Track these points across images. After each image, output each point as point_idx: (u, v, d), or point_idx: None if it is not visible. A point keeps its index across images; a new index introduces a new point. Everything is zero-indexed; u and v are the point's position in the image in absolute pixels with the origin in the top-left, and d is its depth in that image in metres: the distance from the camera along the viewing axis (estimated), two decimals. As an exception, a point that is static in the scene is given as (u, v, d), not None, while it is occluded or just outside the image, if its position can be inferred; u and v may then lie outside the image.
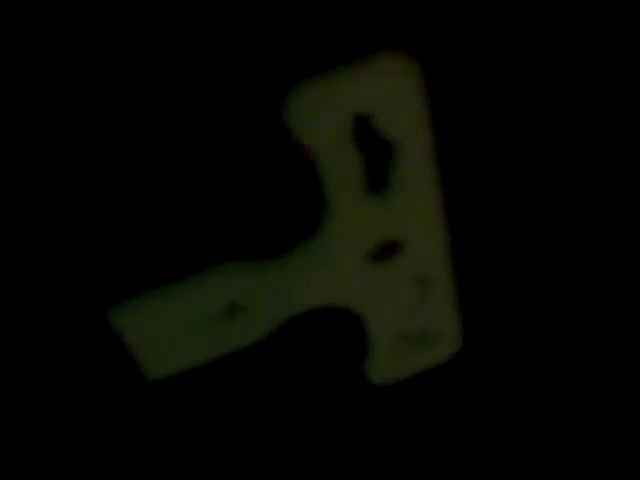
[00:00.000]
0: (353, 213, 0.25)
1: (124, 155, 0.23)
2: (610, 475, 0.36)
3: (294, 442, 0.32)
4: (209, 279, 0.25)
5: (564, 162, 0.27)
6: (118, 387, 0.27)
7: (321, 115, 0.21)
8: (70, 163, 0.23)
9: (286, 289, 0.26)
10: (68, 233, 0.24)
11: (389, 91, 0.21)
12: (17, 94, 0.21)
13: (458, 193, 0.26)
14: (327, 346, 0.30)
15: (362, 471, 0.34)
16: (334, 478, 0.33)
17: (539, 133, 0.26)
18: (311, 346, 0.29)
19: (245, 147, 0.23)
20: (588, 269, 0.30)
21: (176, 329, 0.26)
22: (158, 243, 0.25)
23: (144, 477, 0.29)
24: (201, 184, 0.24)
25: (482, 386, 0.33)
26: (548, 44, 0.23)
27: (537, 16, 0.23)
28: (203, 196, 0.24)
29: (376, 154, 0.23)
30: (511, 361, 0.32)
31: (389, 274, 0.27)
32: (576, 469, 0.36)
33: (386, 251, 0.26)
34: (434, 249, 0.27)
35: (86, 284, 0.24)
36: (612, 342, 0.33)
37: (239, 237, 0.25)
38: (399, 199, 0.25)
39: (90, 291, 0.25)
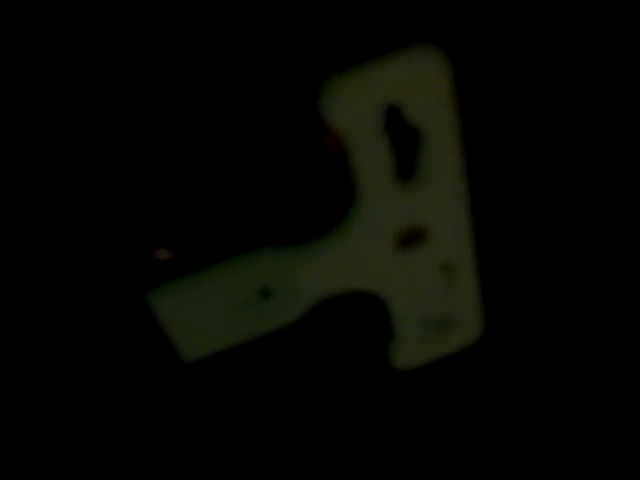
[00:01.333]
0: (381, 201, 0.26)
1: (162, 141, 0.24)
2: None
3: (318, 423, 0.33)
4: (243, 264, 0.26)
5: (589, 152, 0.28)
6: (155, 367, 0.28)
7: (354, 105, 0.22)
8: (107, 149, 0.24)
9: (316, 274, 0.27)
10: (109, 219, 0.25)
11: (419, 82, 0.22)
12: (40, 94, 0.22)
13: (482, 181, 0.27)
14: (352, 330, 0.31)
15: (383, 455, 0.35)
16: (357, 460, 0.34)
17: (563, 124, 0.26)
18: (337, 330, 0.30)
19: (280, 135, 0.24)
20: (613, 254, 0.31)
21: (211, 312, 0.27)
22: (194, 230, 0.26)
23: (180, 456, 0.31)
24: (236, 171, 0.25)
25: (503, 372, 0.34)
26: (575, 38, 0.24)
27: (563, 11, 0.24)
28: (238, 183, 0.25)
29: (404, 143, 0.24)
30: (532, 347, 0.33)
31: (414, 260, 0.28)
32: (598, 453, 0.37)
33: (412, 238, 0.27)
34: (458, 236, 0.28)
35: (126, 269, 0.26)
36: (636, 332, 0.33)
37: (272, 223, 0.26)
38: (425, 187, 0.26)
39: (130, 275, 0.26)
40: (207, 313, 0.27)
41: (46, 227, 0.24)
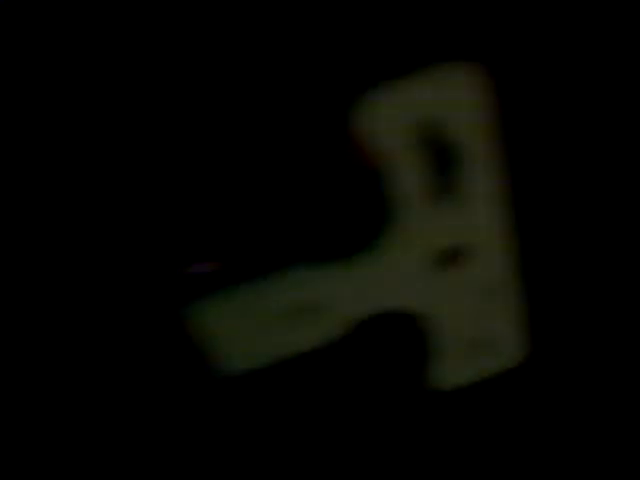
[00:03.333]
0: (417, 219, 0.26)
1: (200, 158, 0.24)
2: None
3: (356, 442, 0.33)
4: (280, 281, 0.26)
5: (636, 176, 0.27)
6: (193, 383, 0.28)
7: (391, 121, 0.22)
8: (148, 162, 0.24)
9: (353, 292, 0.27)
10: (150, 237, 0.25)
11: (457, 99, 0.22)
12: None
13: (525, 200, 0.27)
14: (390, 351, 0.31)
15: (423, 474, 0.34)
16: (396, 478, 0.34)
17: (606, 143, 0.26)
18: (375, 351, 0.30)
19: (314, 153, 0.24)
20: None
21: (248, 328, 0.27)
22: (234, 246, 0.26)
23: (218, 468, 0.31)
24: (272, 190, 0.25)
25: (546, 394, 0.33)
26: (614, 60, 0.24)
27: (601, 31, 0.24)
28: (275, 201, 0.25)
29: (442, 161, 0.24)
30: (577, 369, 0.32)
31: (454, 280, 0.28)
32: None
33: (451, 257, 0.27)
34: (499, 256, 0.27)
35: (165, 282, 0.26)
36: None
37: (309, 240, 0.26)
38: (464, 206, 0.26)
39: (169, 289, 0.26)
40: (244, 329, 0.27)
41: (84, 235, 0.25)
